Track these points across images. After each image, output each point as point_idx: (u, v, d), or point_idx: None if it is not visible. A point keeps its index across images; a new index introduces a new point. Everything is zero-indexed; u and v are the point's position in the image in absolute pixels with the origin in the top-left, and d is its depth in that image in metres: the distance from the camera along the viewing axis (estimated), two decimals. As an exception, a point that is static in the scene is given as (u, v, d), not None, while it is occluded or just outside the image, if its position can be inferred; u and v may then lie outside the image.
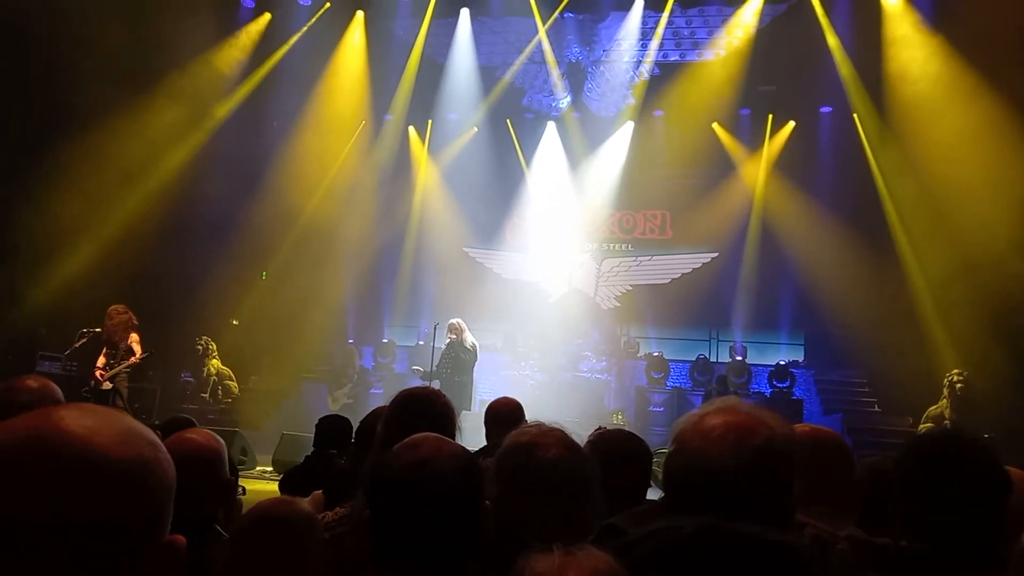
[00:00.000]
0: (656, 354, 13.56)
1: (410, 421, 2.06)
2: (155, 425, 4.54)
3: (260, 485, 7.87)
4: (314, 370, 13.57)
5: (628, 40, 14.20)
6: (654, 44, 14.09)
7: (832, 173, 13.73)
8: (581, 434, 1.70)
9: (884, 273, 11.95)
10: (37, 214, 9.31)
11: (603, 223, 15.45)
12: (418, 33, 14.14)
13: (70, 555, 0.69)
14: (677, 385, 13.02)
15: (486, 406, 3.64)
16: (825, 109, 14.14)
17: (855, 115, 13.20)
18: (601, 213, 15.27)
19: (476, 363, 9.57)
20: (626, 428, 5.40)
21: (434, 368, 9.63)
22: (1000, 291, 9.68)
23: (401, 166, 15.46)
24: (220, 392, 12.68)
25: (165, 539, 0.78)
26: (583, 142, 15.10)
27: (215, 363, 12.64)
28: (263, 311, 13.01)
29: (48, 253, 9.84)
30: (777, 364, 12.98)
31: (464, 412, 8.39)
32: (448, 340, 9.49)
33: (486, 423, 3.42)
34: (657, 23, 13.92)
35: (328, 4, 13.50)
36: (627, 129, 14.95)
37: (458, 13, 14.13)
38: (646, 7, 13.77)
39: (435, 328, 10.25)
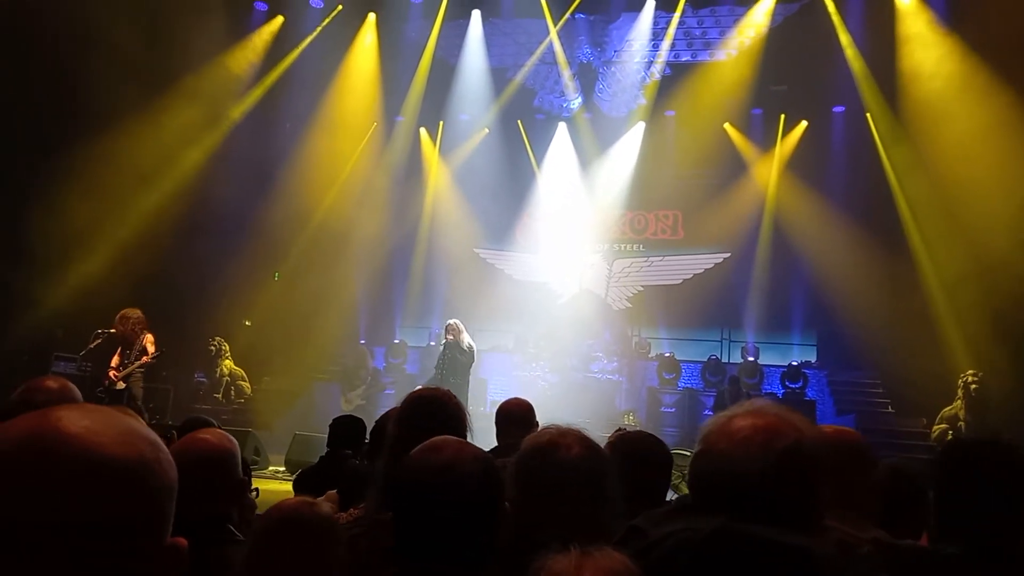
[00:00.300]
0: (668, 355, 13.52)
1: (421, 422, 2.07)
2: (172, 426, 4.58)
3: (273, 485, 7.91)
4: (326, 371, 13.62)
5: (639, 41, 14.18)
6: (665, 44, 14.06)
7: (844, 173, 13.65)
8: (594, 434, 1.70)
9: (897, 273, 11.87)
10: (52, 216, 9.38)
11: (614, 223, 15.42)
12: (430, 35, 14.17)
13: (69, 556, 0.68)
14: (689, 386, 12.97)
15: (497, 407, 3.64)
16: (838, 108, 14.06)
17: (868, 114, 13.12)
18: (612, 213, 15.24)
19: (473, 364, 9.48)
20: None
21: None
22: (1013, 291, 9.60)
23: (413, 167, 15.50)
24: (233, 392, 12.74)
25: (168, 541, 0.77)
26: (594, 143, 15.08)
27: (228, 364, 12.70)
28: (276, 312, 13.07)
29: (63, 255, 9.92)
30: (789, 365, 12.91)
31: (472, 412, 8.34)
32: (445, 341, 9.40)
33: (497, 424, 3.42)
34: (668, 23, 13.89)
35: (340, 7, 13.55)
36: (638, 130, 14.92)
37: (469, 15, 14.15)
38: (657, 8, 13.75)
39: (446, 329, 10.25)
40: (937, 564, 1.59)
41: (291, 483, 7.86)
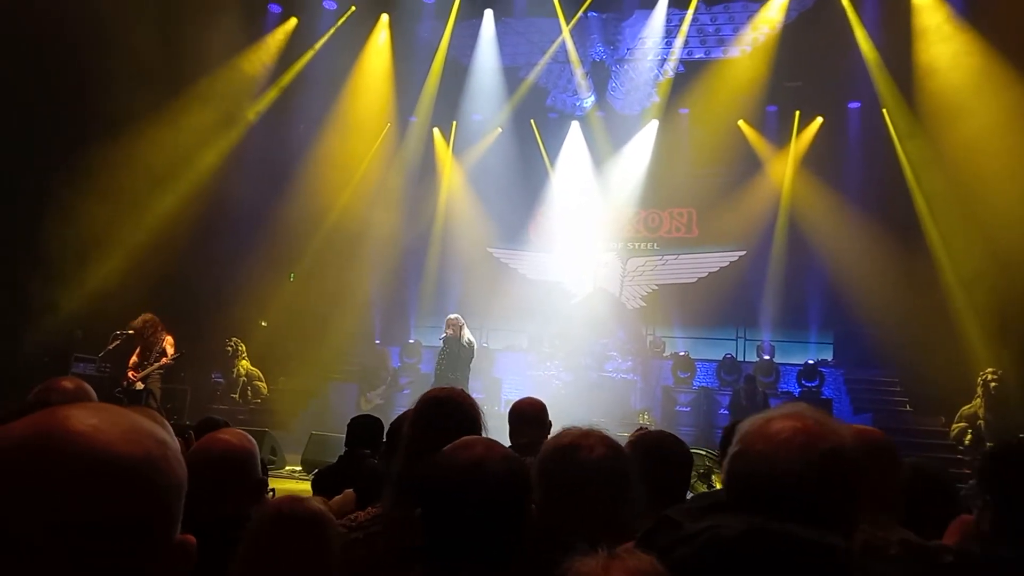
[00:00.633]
0: (682, 353, 13.47)
1: (436, 423, 2.07)
2: (189, 426, 4.62)
3: (289, 485, 7.95)
4: (341, 370, 13.68)
5: (652, 38, 14.13)
6: (679, 42, 14.00)
7: (860, 169, 13.55)
8: (611, 434, 1.70)
9: (914, 270, 11.76)
10: (69, 221, 9.47)
11: (628, 222, 15.39)
12: (442, 35, 14.20)
13: (75, 554, 0.68)
14: (704, 385, 12.91)
15: (510, 406, 3.63)
16: (853, 104, 13.95)
17: (884, 110, 13.01)
18: (626, 212, 15.20)
19: (474, 361, 9.34)
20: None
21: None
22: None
23: (426, 167, 15.54)
24: (250, 393, 12.82)
25: (176, 539, 0.77)
26: (607, 141, 15.05)
27: (245, 364, 12.79)
28: (291, 312, 13.15)
29: (81, 259, 10.03)
30: (806, 363, 12.82)
31: (486, 412, 8.31)
32: (445, 336, 9.29)
33: (510, 423, 3.41)
34: (682, 20, 13.83)
35: (353, 7, 13.60)
36: (652, 127, 14.87)
37: (482, 14, 14.15)
38: (670, 5, 13.70)
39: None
40: (998, 568, 1.56)
41: (307, 483, 7.91)
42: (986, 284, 10.38)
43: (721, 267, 14.83)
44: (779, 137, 14.45)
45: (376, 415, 4.10)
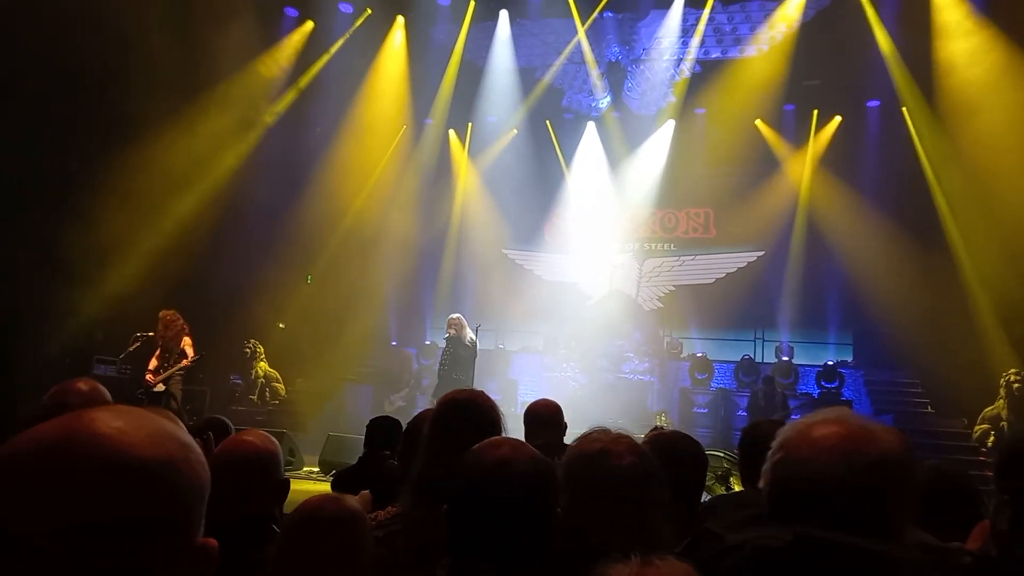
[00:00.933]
0: (700, 355, 13.41)
1: (456, 425, 2.08)
2: (204, 427, 4.65)
3: (307, 485, 8.00)
4: (357, 372, 13.75)
5: (668, 38, 14.09)
6: (695, 41, 13.95)
7: (879, 168, 13.43)
8: (634, 435, 1.70)
9: (934, 269, 11.63)
10: (89, 225, 9.55)
11: (645, 222, 15.35)
12: (457, 37, 14.24)
13: (97, 554, 0.69)
14: (721, 386, 12.85)
15: (526, 407, 3.64)
16: (872, 103, 13.83)
17: (904, 108, 12.88)
18: (642, 212, 15.16)
19: (476, 359, 9.26)
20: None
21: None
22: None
23: (442, 169, 15.58)
24: (268, 394, 12.92)
25: (198, 542, 0.77)
26: (623, 142, 15.02)
27: (263, 366, 12.88)
28: (308, 314, 13.23)
29: (101, 262, 10.12)
30: (825, 364, 12.72)
31: (502, 414, 8.29)
32: (447, 336, 9.26)
33: (525, 424, 3.42)
34: (698, 20, 13.79)
35: (369, 11, 13.66)
36: (668, 127, 14.83)
37: (497, 16, 14.18)
38: (687, 4, 13.65)
39: (477, 330, 10.28)
40: (1016, 569, 1.54)
41: (324, 483, 7.95)
42: (1010, 281, 10.24)
43: (739, 267, 14.75)
44: (797, 136, 14.36)
45: (397, 417, 4.11)
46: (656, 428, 2.61)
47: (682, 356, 13.77)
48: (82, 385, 2.50)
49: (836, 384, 12.40)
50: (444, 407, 2.24)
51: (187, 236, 11.15)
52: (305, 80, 13.59)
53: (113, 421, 0.75)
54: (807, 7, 13.02)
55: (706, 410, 12.34)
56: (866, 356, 13.27)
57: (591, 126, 15.47)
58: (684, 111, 14.66)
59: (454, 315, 9.51)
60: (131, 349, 8.79)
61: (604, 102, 15.24)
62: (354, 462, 4.01)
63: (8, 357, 8.60)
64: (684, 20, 13.85)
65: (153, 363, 8.71)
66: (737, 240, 14.72)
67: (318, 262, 13.90)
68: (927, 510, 1.99)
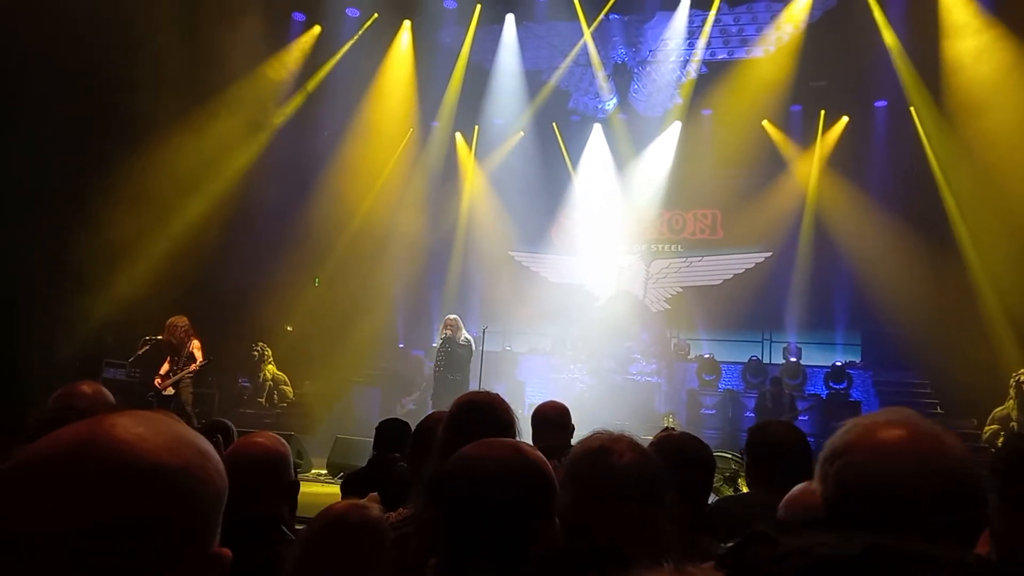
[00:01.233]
0: (707, 356, 13.38)
1: (469, 427, 2.09)
2: (213, 429, 4.68)
3: (315, 487, 8.01)
4: (365, 374, 13.78)
5: (675, 39, 14.08)
6: (701, 43, 13.94)
7: (887, 168, 13.38)
8: (636, 436, 1.70)
9: (943, 269, 11.58)
10: (98, 229, 9.60)
11: (651, 224, 15.33)
12: (464, 40, 14.27)
13: (112, 559, 0.70)
14: (729, 387, 12.82)
15: (533, 409, 3.64)
16: (880, 103, 13.79)
17: (911, 108, 12.84)
18: (649, 214, 15.14)
19: (472, 359, 9.17)
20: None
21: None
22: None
23: (448, 172, 15.60)
24: (276, 397, 12.95)
25: (212, 550, 0.78)
26: (630, 143, 15.01)
27: (271, 368, 12.92)
28: (316, 316, 13.27)
29: (110, 266, 10.17)
30: (833, 365, 12.68)
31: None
32: (442, 337, 9.17)
33: (533, 426, 3.42)
34: (704, 21, 13.78)
35: (376, 14, 13.71)
36: (675, 129, 14.82)
37: (503, 19, 14.20)
38: (692, 6, 13.64)
39: (483, 332, 10.29)
40: (1016, 571, 1.52)
41: (332, 485, 7.97)
42: (1016, 281, 10.19)
43: (746, 268, 14.71)
44: (804, 137, 14.33)
45: (407, 420, 4.13)
46: (667, 429, 2.61)
47: (689, 357, 13.75)
48: (86, 388, 2.54)
49: (844, 385, 12.36)
50: (460, 408, 2.25)
51: (196, 239, 11.20)
52: (313, 83, 13.65)
53: (133, 427, 0.76)
54: (813, 7, 12.99)
55: (714, 411, 12.31)
56: (874, 357, 13.22)
57: (597, 128, 15.47)
58: (691, 112, 14.64)
59: (450, 316, 9.44)
60: (140, 352, 8.83)
61: (610, 104, 15.25)
62: (362, 464, 4.02)
63: (18, 361, 8.65)
64: (690, 21, 13.85)
65: (165, 367, 8.76)
66: (744, 241, 14.68)
67: (326, 264, 13.94)
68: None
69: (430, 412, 3.33)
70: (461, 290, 15.21)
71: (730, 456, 7.87)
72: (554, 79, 14.96)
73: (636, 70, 14.86)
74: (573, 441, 3.32)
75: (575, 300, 14.87)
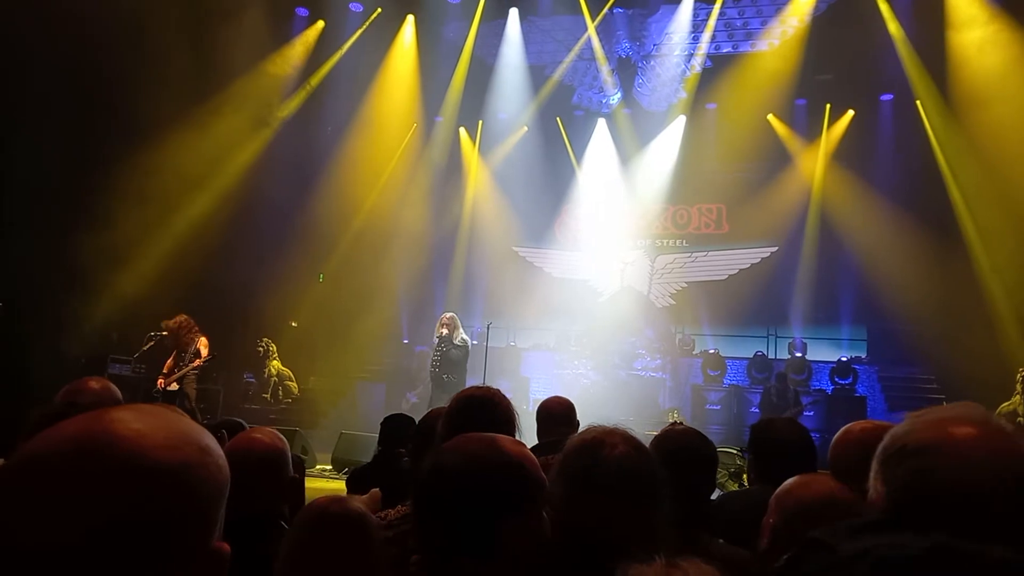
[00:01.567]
0: (712, 351, 13.35)
1: (469, 423, 2.08)
2: (218, 425, 4.69)
3: (320, 483, 8.04)
4: (369, 370, 13.79)
5: (679, 33, 14.02)
6: (706, 36, 13.87)
7: (893, 162, 13.32)
8: (639, 432, 1.68)
9: (950, 263, 11.52)
10: (102, 227, 9.63)
11: (656, 218, 15.29)
12: (467, 35, 14.23)
13: (111, 557, 0.70)
14: (734, 383, 12.79)
15: (538, 405, 3.64)
16: (885, 97, 13.72)
17: (918, 101, 12.77)
18: (654, 208, 15.10)
19: (468, 359, 8.97)
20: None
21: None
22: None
23: (452, 167, 15.59)
24: (281, 392, 12.98)
25: (211, 546, 0.78)
26: (634, 138, 14.97)
27: (276, 364, 12.95)
28: (320, 312, 13.29)
29: (115, 263, 10.19)
30: (839, 360, 12.63)
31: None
32: (439, 335, 8.99)
33: (538, 421, 3.42)
34: (708, 15, 13.71)
35: (379, 9, 13.69)
36: (679, 123, 14.76)
37: (507, 13, 14.16)
38: (697, -1, 13.59)
39: (488, 328, 10.28)
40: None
41: (338, 481, 7.99)
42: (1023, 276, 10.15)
43: (751, 263, 14.66)
44: (809, 131, 14.26)
45: (412, 415, 4.12)
46: (674, 423, 2.59)
47: (694, 353, 13.72)
48: (94, 383, 2.53)
49: (850, 380, 12.32)
50: (459, 404, 2.24)
51: (200, 236, 11.22)
52: (316, 79, 13.64)
53: (133, 423, 0.75)
54: (819, 1, 12.92)
55: (719, 407, 12.29)
56: (880, 352, 13.17)
57: (602, 123, 15.43)
58: (695, 106, 14.58)
59: (447, 313, 9.25)
60: (145, 348, 8.87)
61: (615, 98, 15.20)
62: (367, 460, 4.02)
63: (24, 360, 8.69)
64: (694, 15, 13.78)
65: (170, 364, 8.79)
66: (749, 236, 14.63)
67: (330, 261, 13.96)
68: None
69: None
70: (465, 286, 15.21)
71: (735, 452, 7.85)
72: (558, 74, 14.92)
73: (640, 64, 14.81)
74: (576, 437, 3.31)
75: (579, 296, 14.85)
